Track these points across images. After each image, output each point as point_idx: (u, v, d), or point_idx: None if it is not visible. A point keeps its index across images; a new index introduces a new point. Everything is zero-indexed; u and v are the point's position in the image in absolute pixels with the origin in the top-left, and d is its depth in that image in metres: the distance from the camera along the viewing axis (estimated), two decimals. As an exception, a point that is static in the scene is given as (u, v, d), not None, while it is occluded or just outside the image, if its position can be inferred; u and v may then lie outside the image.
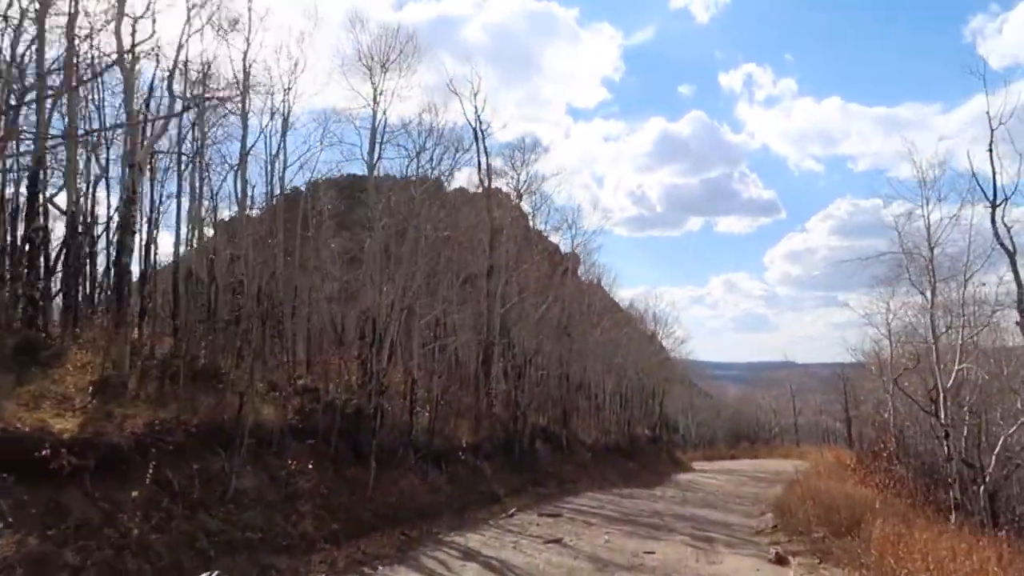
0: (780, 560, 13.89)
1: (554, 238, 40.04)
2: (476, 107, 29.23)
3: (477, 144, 29.23)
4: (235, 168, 19.46)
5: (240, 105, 18.41)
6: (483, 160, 29.88)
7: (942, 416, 22.08)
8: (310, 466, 14.63)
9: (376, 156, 22.09)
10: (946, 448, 22.06)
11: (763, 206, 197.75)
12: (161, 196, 19.24)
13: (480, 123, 29.20)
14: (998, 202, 18.95)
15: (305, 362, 20.80)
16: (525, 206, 34.43)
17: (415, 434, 19.81)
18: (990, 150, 19.05)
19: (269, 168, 20.83)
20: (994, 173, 19.41)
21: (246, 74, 18.42)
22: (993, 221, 19.13)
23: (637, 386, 47.08)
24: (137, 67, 15.78)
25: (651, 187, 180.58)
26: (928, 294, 22.79)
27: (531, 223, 37.52)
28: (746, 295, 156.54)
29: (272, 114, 20.31)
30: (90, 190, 18.14)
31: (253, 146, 19.84)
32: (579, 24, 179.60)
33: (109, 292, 16.22)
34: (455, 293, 28.98)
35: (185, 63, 16.98)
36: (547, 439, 32.09)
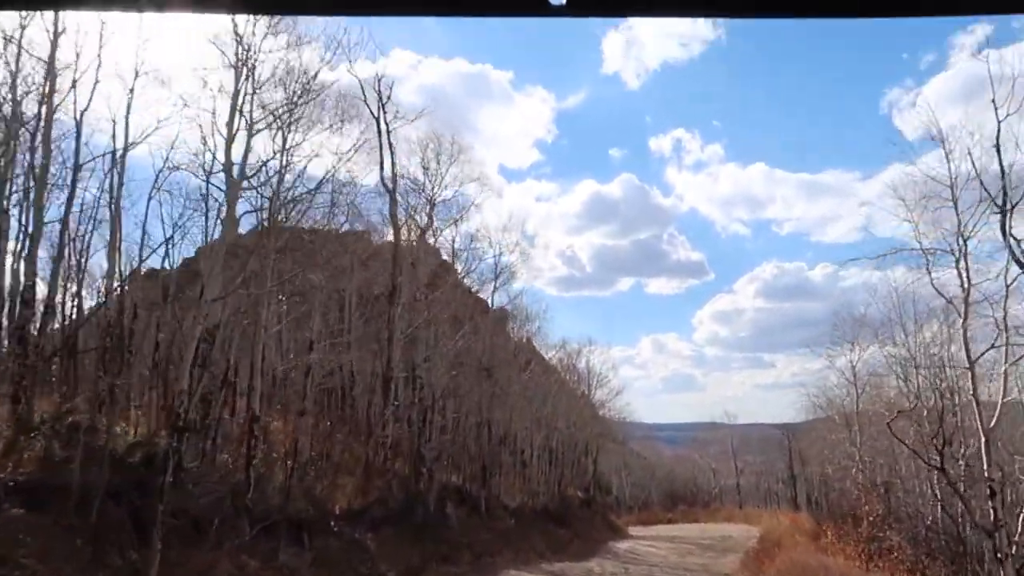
0: None
1: (483, 295, 36.30)
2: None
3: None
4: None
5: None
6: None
7: (955, 469, 17.60)
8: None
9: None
10: (959, 509, 17.61)
11: (691, 268, 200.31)
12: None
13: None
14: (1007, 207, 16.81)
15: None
16: (457, 266, 30.94)
17: (261, 496, 13.88)
18: (996, 146, 17.26)
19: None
20: (1003, 173, 17.38)
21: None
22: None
23: (568, 441, 41.71)
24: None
25: (581, 247, 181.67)
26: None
27: (459, 279, 32.38)
28: (675, 355, 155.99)
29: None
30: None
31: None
32: (513, 87, 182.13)
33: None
34: (351, 316, 23.31)
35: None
36: (462, 501, 26.28)
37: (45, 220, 15.16)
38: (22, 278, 14.40)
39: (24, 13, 14.14)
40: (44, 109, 15.27)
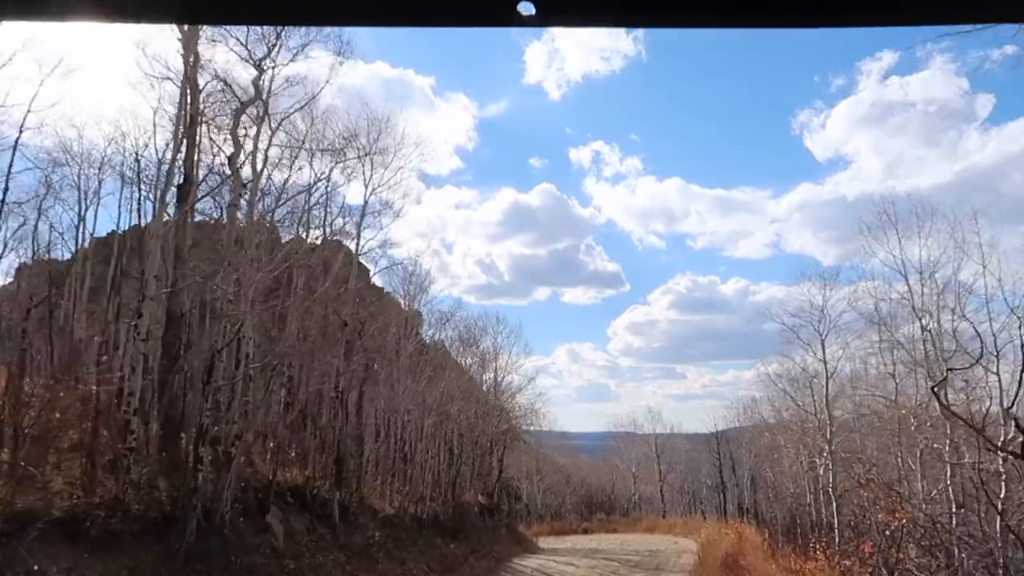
0: None
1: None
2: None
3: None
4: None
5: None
6: None
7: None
8: None
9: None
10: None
11: (608, 279, 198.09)
12: None
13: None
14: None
15: None
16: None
17: None
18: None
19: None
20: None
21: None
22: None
23: (469, 435, 34.18)
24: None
25: (500, 256, 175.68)
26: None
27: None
28: (590, 365, 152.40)
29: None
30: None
31: None
32: (435, 93, 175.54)
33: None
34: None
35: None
36: (304, 508, 18.37)
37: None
38: None
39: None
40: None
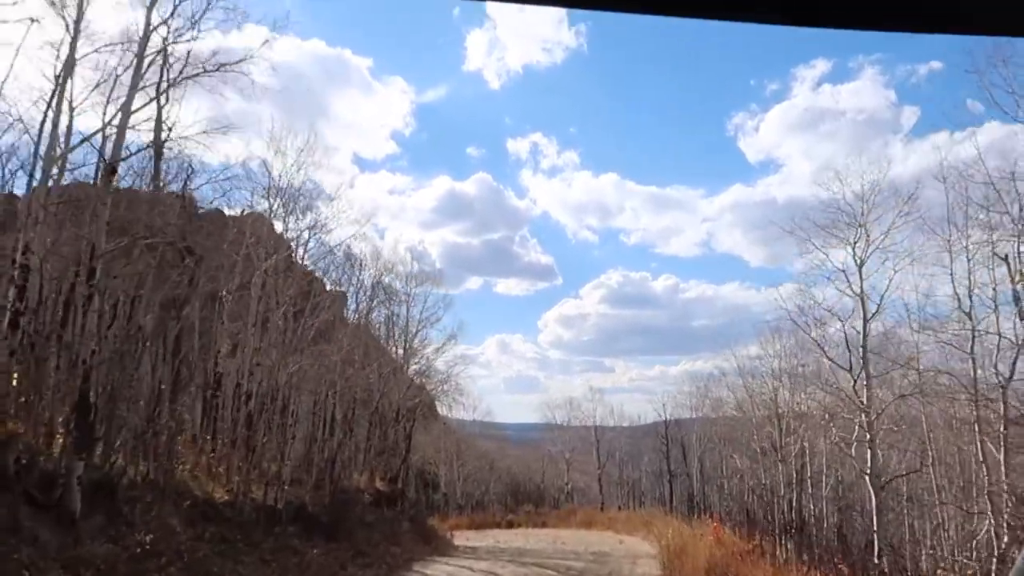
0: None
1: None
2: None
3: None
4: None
5: None
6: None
7: None
8: None
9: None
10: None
11: (541, 271, 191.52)
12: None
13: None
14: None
15: None
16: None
17: None
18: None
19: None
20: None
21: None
22: None
23: (365, 401, 26.29)
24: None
25: (433, 243, 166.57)
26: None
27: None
28: (519, 356, 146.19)
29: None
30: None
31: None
32: (372, 75, 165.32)
33: None
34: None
35: None
36: (49, 487, 10.26)
37: None
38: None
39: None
40: None
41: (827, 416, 21.83)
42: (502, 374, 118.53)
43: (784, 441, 32.34)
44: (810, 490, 28.62)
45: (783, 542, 20.90)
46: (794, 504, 24.20)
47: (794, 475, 25.57)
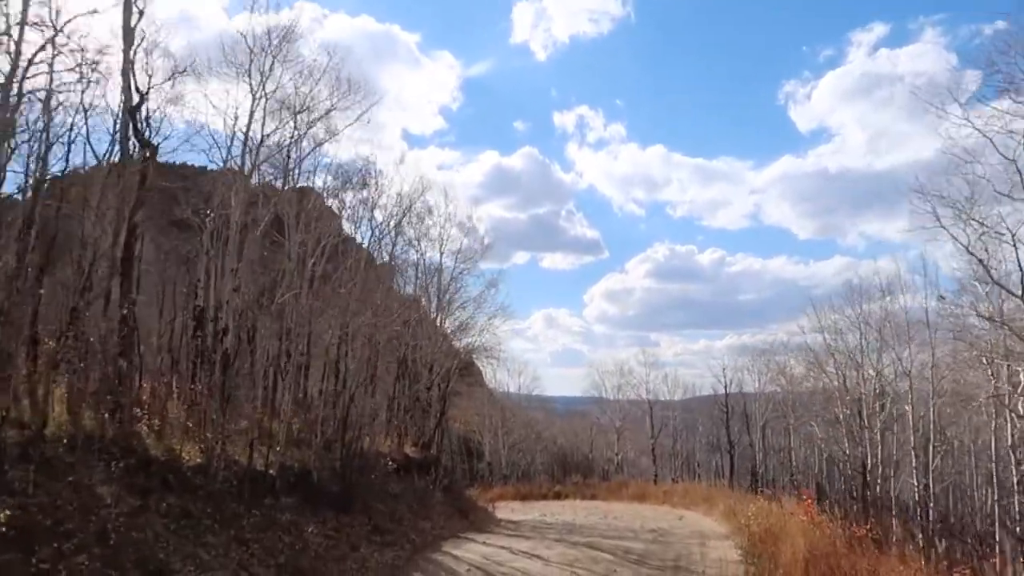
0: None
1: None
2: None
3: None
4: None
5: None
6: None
7: None
8: None
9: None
10: None
11: (587, 245, 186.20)
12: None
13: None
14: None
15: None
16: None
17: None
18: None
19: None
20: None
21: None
22: None
23: (391, 357, 22.93)
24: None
25: (480, 219, 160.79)
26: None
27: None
28: (565, 331, 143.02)
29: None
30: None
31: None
32: (420, 50, 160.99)
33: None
34: None
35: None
36: None
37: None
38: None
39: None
40: None
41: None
42: (548, 348, 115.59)
43: (879, 408, 28.18)
44: (914, 462, 24.41)
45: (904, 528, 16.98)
46: (921, 481, 20.02)
47: (916, 445, 21.40)
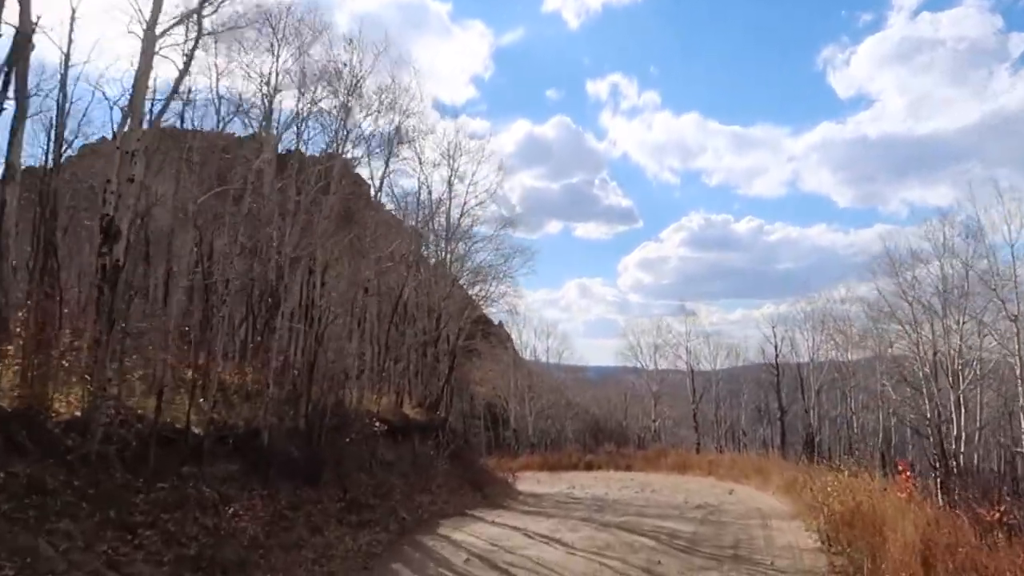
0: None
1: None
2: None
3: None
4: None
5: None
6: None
7: None
8: None
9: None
10: None
11: (621, 214, 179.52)
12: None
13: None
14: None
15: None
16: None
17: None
18: None
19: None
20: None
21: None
22: None
23: (385, 298, 19.26)
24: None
25: (512, 188, 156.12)
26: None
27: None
28: (599, 300, 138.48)
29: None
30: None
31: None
32: (451, 19, 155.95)
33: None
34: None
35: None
36: None
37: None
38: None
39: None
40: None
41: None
42: (581, 318, 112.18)
43: (961, 366, 23.98)
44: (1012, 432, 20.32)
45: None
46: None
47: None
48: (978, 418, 24.61)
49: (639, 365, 49.56)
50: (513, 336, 55.04)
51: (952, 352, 24.52)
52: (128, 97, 10.58)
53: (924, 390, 24.43)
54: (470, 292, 26.80)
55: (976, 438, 24.44)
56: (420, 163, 23.97)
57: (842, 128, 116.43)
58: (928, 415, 23.62)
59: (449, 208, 24.10)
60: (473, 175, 25.12)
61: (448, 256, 24.10)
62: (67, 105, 11.80)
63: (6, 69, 10.43)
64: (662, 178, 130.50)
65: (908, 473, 14.16)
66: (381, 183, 22.37)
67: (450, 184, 24.28)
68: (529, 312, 52.52)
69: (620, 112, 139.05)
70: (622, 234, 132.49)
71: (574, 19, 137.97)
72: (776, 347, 40.42)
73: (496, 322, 54.80)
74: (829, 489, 14.60)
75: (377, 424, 16.50)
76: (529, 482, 31.07)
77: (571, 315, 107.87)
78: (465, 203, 24.35)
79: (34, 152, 13.57)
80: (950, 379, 23.86)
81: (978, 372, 24.63)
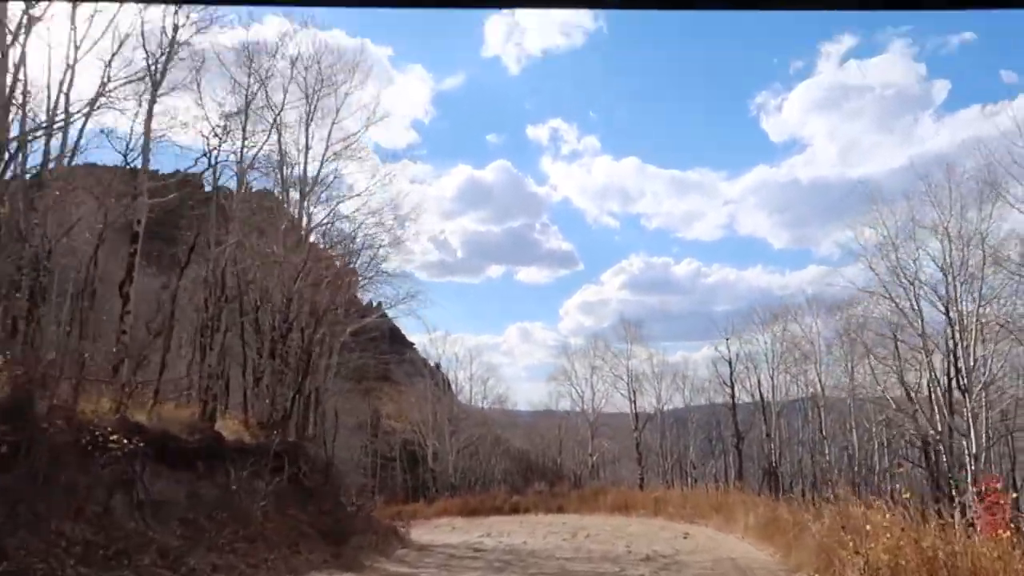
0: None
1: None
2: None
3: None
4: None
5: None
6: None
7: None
8: None
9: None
10: None
11: (562, 258, 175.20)
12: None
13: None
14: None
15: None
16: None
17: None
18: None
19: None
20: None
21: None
22: None
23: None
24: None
25: (454, 232, 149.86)
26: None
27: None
28: (540, 344, 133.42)
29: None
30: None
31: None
32: (392, 65, 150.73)
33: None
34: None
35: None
36: None
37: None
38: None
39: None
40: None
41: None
42: (523, 362, 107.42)
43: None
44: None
45: None
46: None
47: None
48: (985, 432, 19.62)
49: (573, 391, 43.56)
50: (451, 380, 48.75)
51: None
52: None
53: (933, 399, 19.35)
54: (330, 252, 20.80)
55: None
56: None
57: (776, 172, 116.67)
58: (938, 429, 18.37)
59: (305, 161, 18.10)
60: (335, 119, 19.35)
61: (305, 213, 17.99)
62: None
63: None
64: (602, 222, 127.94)
65: (998, 498, 8.52)
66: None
67: (306, 126, 18.39)
68: (468, 357, 47.44)
69: (560, 157, 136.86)
70: (563, 278, 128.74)
71: (514, 64, 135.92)
72: (731, 363, 35.13)
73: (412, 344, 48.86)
74: (877, 531, 8.74)
75: (140, 445, 10.10)
76: (440, 530, 25.47)
77: (513, 359, 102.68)
78: (327, 148, 18.49)
79: None
80: (964, 375, 18.87)
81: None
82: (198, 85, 16.34)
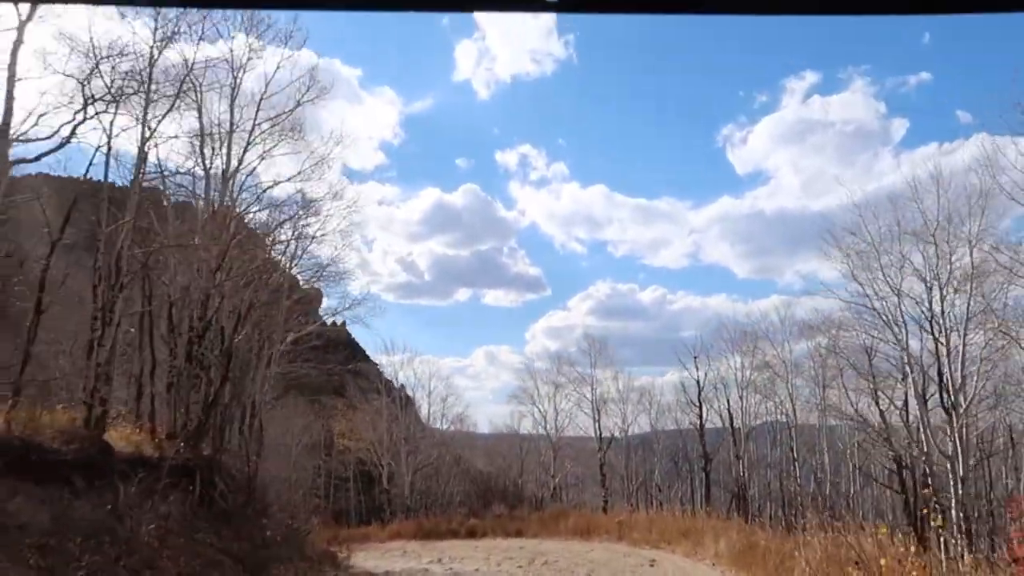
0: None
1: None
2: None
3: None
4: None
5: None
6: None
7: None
8: None
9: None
10: None
11: (529, 282, 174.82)
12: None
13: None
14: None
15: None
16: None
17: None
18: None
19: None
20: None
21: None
22: None
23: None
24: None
25: (421, 255, 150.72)
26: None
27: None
28: (506, 367, 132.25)
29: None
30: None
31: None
32: (361, 86, 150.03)
33: None
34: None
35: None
36: None
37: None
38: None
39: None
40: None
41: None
42: (490, 385, 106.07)
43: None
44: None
45: None
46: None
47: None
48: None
49: (535, 410, 41.76)
50: (417, 401, 46.68)
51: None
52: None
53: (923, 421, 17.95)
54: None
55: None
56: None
57: (740, 203, 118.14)
58: (925, 449, 16.95)
59: (229, 142, 16.23)
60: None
61: (227, 196, 16.09)
62: None
63: None
64: (569, 247, 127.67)
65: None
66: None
67: (232, 101, 16.57)
68: (426, 374, 45.54)
69: (529, 182, 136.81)
70: (530, 302, 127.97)
71: (484, 89, 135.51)
72: (699, 382, 33.66)
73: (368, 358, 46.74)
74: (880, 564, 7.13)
75: None
76: (390, 555, 23.97)
77: (480, 383, 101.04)
78: (255, 129, 16.70)
79: None
80: (952, 383, 17.52)
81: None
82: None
